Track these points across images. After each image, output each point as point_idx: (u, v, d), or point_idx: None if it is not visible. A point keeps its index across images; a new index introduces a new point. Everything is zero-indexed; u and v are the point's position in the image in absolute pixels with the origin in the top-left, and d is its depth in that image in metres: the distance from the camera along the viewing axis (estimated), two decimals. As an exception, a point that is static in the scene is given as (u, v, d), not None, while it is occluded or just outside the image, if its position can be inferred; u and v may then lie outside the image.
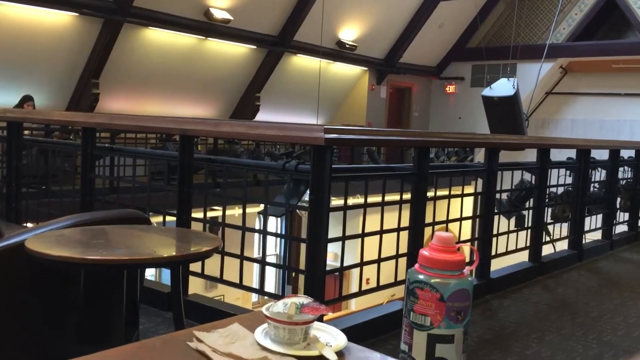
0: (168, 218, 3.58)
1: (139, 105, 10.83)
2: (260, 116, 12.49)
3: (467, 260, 1.17)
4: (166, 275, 5.71)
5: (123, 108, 10.52)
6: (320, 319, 1.11)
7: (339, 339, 1.08)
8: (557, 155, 5.11)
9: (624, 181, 6.38)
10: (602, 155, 5.78)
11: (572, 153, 5.37)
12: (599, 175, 5.93)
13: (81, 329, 2.22)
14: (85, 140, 3.92)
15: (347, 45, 13.29)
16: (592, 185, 5.68)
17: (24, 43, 9.14)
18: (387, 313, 3.19)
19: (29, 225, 3.87)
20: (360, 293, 3.19)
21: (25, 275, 2.14)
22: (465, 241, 3.76)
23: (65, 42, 9.59)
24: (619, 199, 6.15)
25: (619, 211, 6.16)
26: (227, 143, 9.77)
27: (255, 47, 11.98)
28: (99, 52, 9.82)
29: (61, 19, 9.40)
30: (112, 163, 6.30)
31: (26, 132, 4.85)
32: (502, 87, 9.90)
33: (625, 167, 6.38)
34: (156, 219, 3.57)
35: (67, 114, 5.39)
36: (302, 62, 13.03)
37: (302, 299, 1.07)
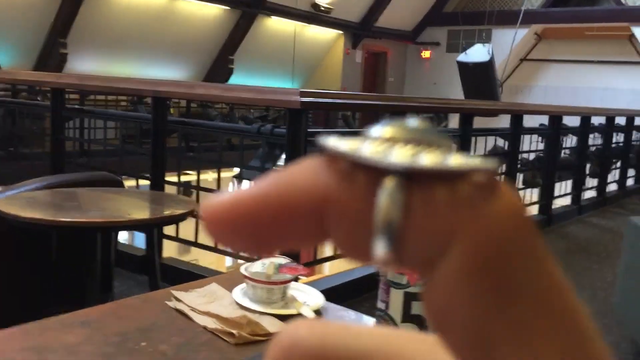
0: (141, 182, 3.54)
1: (108, 66, 10.56)
2: (234, 79, 12.31)
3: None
4: (140, 240, 5.67)
5: (92, 69, 10.24)
6: (296, 280, 1.12)
7: (317, 299, 1.10)
8: (529, 121, 5.17)
9: (594, 148, 6.50)
10: (573, 121, 5.86)
11: (544, 119, 5.44)
12: (570, 141, 6.03)
13: (55, 292, 2.21)
14: (54, 101, 3.82)
15: (323, 8, 13.10)
16: (562, 151, 5.77)
17: (-13, 0, 8.79)
18: (361, 276, 3.23)
19: (-3, 188, 3.78)
20: (335, 257, 3.22)
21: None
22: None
23: None
24: (588, 165, 6.28)
25: (588, 177, 6.29)
26: (200, 107, 9.63)
27: (228, 8, 11.73)
28: (66, 10, 9.49)
29: (26, -26, 9.04)
30: (81, 125, 6.17)
31: (-8, 92, 4.70)
32: (477, 53, 9.93)
33: (596, 134, 6.49)
34: (129, 183, 3.53)
35: (35, 74, 5.23)
36: (276, 25, 12.82)
37: (280, 259, 1.08)
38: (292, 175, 0.13)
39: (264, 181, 0.14)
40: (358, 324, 0.16)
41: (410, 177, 0.12)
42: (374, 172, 0.13)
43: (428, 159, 0.12)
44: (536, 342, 0.12)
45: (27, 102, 5.73)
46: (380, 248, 0.12)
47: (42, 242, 2.17)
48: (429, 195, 0.12)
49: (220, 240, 0.14)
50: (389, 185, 0.12)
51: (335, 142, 0.13)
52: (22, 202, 2.00)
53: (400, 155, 0.12)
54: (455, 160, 0.13)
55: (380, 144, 0.13)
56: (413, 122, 0.14)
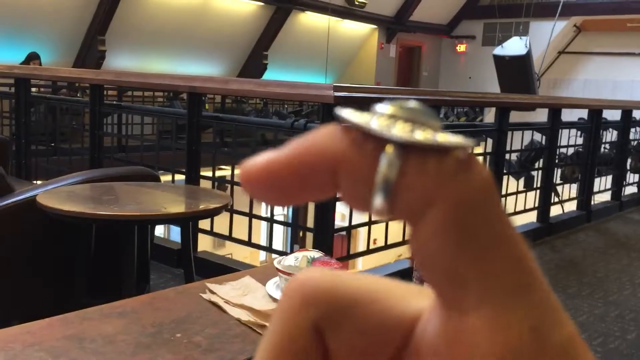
0: (177, 176, 3.59)
1: (145, 63, 10.74)
2: (268, 75, 12.37)
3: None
4: (175, 233, 5.76)
5: (129, 65, 10.43)
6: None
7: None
8: (568, 115, 5.05)
9: (635, 142, 6.31)
10: (614, 115, 5.70)
11: (583, 113, 5.31)
12: (610, 136, 5.87)
13: (93, 283, 2.26)
14: (93, 97, 3.91)
15: (357, 3, 13.04)
16: (602, 146, 5.63)
17: (29, -1, 9.02)
18: (395, 271, 3.22)
19: (39, 182, 3.89)
20: (368, 252, 3.21)
21: (37, 229, 2.17)
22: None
23: (70, -2, 9.47)
24: (629, 160, 6.11)
25: (629, 172, 6.12)
26: (234, 102, 9.71)
27: (263, 3, 11.79)
28: (105, 8, 9.69)
29: (66, -26, 9.26)
30: (119, 121, 6.29)
31: (33, 89, 4.83)
32: (514, 46, 9.73)
33: (637, 128, 6.31)
34: (165, 177, 3.58)
35: (75, 71, 5.36)
36: (310, 20, 12.82)
37: (314, 253, 1.08)
38: (312, 139, 0.17)
39: (289, 144, 0.17)
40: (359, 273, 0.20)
41: (406, 148, 0.16)
42: (378, 141, 0.16)
43: (421, 134, 0.16)
44: (492, 269, 0.16)
45: (67, 99, 5.87)
46: (378, 200, 0.16)
47: (81, 235, 2.22)
48: (420, 163, 0.16)
49: (255, 195, 0.18)
50: (389, 152, 0.16)
51: (348, 114, 0.17)
52: (62, 196, 2.05)
53: (401, 130, 0.16)
54: (442, 137, 0.16)
55: (385, 119, 0.16)
56: (411, 103, 0.17)
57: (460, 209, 0.16)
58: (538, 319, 0.16)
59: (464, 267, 0.16)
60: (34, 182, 4.07)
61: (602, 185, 5.63)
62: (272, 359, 0.17)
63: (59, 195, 2.04)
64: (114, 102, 5.56)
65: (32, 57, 8.13)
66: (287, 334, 0.17)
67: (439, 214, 0.16)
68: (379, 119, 0.16)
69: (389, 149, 0.16)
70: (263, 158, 0.17)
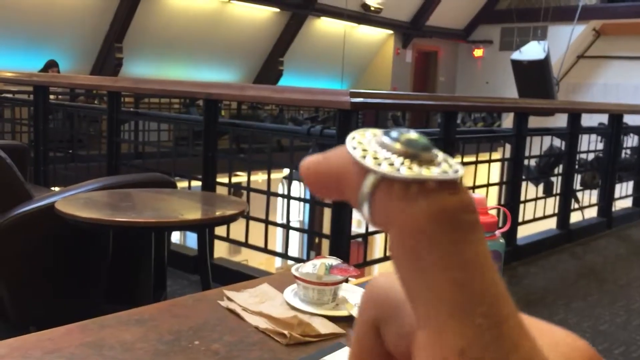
0: (193, 183, 3.60)
1: (161, 70, 10.84)
2: (284, 81, 12.40)
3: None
4: (191, 240, 5.78)
5: (146, 72, 10.53)
6: (346, 281, 1.10)
7: (369, 301, 1.08)
8: (588, 120, 4.99)
9: (657, 147, 6.21)
10: (635, 120, 5.62)
11: (603, 118, 5.24)
12: (631, 141, 5.78)
13: (110, 290, 2.26)
14: (110, 104, 3.94)
15: (373, 8, 13.04)
16: (623, 151, 5.55)
17: (47, 7, 9.15)
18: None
19: (57, 188, 3.93)
20: (385, 259, 3.19)
21: (55, 235, 2.18)
22: (493, 207, 3.72)
23: (87, 6, 9.58)
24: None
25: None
26: (250, 108, 9.75)
27: (278, 10, 11.84)
28: (121, 16, 9.80)
29: (84, -17, 9.38)
30: (136, 128, 6.34)
31: (51, 96, 4.88)
32: (532, 51, 9.65)
33: (659, 133, 6.20)
34: (181, 184, 3.60)
35: (93, 78, 5.42)
36: (326, 26, 12.85)
37: (331, 260, 1.06)
38: (330, 154, 0.21)
39: (319, 155, 0.21)
40: None
41: (383, 177, 0.19)
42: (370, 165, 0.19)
43: (405, 169, 0.19)
44: (435, 291, 0.18)
45: (85, 106, 5.94)
46: (362, 211, 0.20)
47: (99, 242, 2.23)
48: (387, 190, 0.19)
49: (307, 186, 0.22)
50: (371, 177, 0.19)
51: (349, 141, 0.21)
52: (80, 202, 2.06)
53: (386, 165, 0.19)
54: (425, 170, 0.19)
55: (379, 151, 0.20)
56: (413, 135, 0.20)
57: (405, 232, 0.18)
58: (470, 343, 0.17)
59: (413, 285, 0.18)
60: (52, 188, 4.11)
61: (623, 191, 5.54)
62: (351, 349, 0.21)
63: (77, 202, 2.05)
64: (131, 109, 5.61)
65: (51, 65, 8.24)
66: (357, 330, 0.21)
67: (392, 234, 0.19)
68: (375, 150, 0.20)
69: (371, 175, 0.19)
70: (311, 159, 0.21)
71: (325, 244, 2.87)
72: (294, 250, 10.67)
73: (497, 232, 1.12)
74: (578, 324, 2.89)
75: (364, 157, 0.19)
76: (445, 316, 0.17)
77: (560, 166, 4.74)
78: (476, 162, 3.67)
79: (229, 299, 1.00)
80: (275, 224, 3.44)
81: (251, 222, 3.21)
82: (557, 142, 4.85)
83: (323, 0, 12.03)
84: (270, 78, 12.22)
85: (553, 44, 10.62)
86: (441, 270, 0.17)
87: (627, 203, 5.64)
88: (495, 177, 4.02)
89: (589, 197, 5.19)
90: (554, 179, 4.78)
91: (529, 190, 4.35)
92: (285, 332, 0.91)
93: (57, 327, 0.91)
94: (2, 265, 2.08)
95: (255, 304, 0.99)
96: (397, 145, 0.20)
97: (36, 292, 2.18)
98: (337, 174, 0.20)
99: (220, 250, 3.74)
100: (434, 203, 0.18)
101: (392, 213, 0.18)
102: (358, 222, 3.68)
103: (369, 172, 0.19)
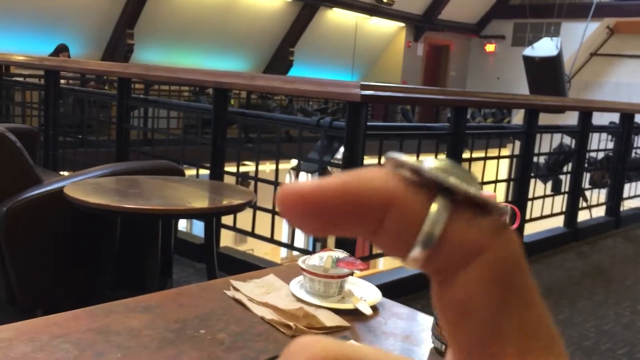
0: (201, 171, 3.60)
1: (172, 57, 10.83)
2: (294, 71, 12.37)
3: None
4: (197, 228, 5.79)
5: (156, 60, 10.53)
6: (351, 275, 1.10)
7: (374, 294, 1.08)
8: (599, 119, 4.95)
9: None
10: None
11: (614, 117, 5.19)
12: (642, 140, 5.74)
13: (117, 276, 2.28)
14: (120, 90, 3.94)
15: (385, 0, 12.96)
16: (634, 151, 5.51)
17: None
18: (416, 272, 3.18)
19: (66, 173, 3.95)
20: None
21: (63, 220, 2.19)
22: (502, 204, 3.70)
23: (101, -8, 9.59)
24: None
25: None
26: (260, 98, 9.73)
27: (290, 0, 11.80)
28: (134, 2, 9.79)
29: (97, -32, 9.37)
30: (145, 115, 6.35)
31: (62, 81, 4.89)
32: (544, 47, 9.57)
33: (670, 134, 6.14)
34: (190, 172, 3.60)
35: (104, 64, 5.42)
36: (337, 17, 12.79)
37: (338, 253, 1.06)
38: (365, 176, 0.17)
39: (336, 177, 0.17)
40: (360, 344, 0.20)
41: (454, 200, 0.16)
42: (430, 188, 0.16)
43: (472, 189, 0.16)
44: (532, 325, 0.16)
45: (95, 91, 5.95)
46: (417, 250, 0.16)
47: (107, 228, 2.24)
48: (470, 215, 0.16)
49: (292, 221, 0.17)
50: (440, 202, 0.16)
51: (402, 157, 0.17)
52: (88, 188, 2.07)
53: (456, 180, 0.16)
54: (486, 196, 0.16)
55: (436, 170, 0.16)
56: (452, 162, 0.17)
57: (507, 262, 0.16)
58: None
59: (507, 319, 0.16)
60: (61, 173, 4.13)
61: (632, 191, 5.51)
62: None
63: (86, 187, 2.06)
64: (141, 96, 5.62)
65: (61, 49, 8.24)
66: None
67: (485, 265, 0.16)
68: (432, 167, 0.17)
69: (440, 199, 0.16)
70: (308, 185, 0.17)
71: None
72: (299, 241, 10.69)
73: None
74: (583, 322, 2.89)
75: (438, 177, 0.16)
76: (543, 349, 0.16)
77: (570, 164, 4.71)
78: (485, 158, 3.65)
79: (235, 289, 1.01)
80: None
81: (258, 212, 3.21)
82: (567, 139, 4.82)
83: (335, -9, 11.97)
84: (281, 68, 12.19)
85: (566, 41, 10.53)
86: (534, 303, 0.16)
87: (636, 203, 5.61)
88: (503, 174, 4.00)
89: (597, 196, 5.16)
90: (562, 177, 4.75)
91: (537, 187, 4.33)
92: (291, 323, 0.91)
93: (64, 312, 0.91)
94: (11, 248, 2.09)
95: (261, 294, 1.00)
96: (452, 169, 0.17)
97: (44, 276, 2.20)
98: (383, 199, 0.16)
99: (226, 239, 3.75)
100: (515, 234, 0.17)
101: (481, 242, 0.16)
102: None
103: (440, 194, 0.16)
